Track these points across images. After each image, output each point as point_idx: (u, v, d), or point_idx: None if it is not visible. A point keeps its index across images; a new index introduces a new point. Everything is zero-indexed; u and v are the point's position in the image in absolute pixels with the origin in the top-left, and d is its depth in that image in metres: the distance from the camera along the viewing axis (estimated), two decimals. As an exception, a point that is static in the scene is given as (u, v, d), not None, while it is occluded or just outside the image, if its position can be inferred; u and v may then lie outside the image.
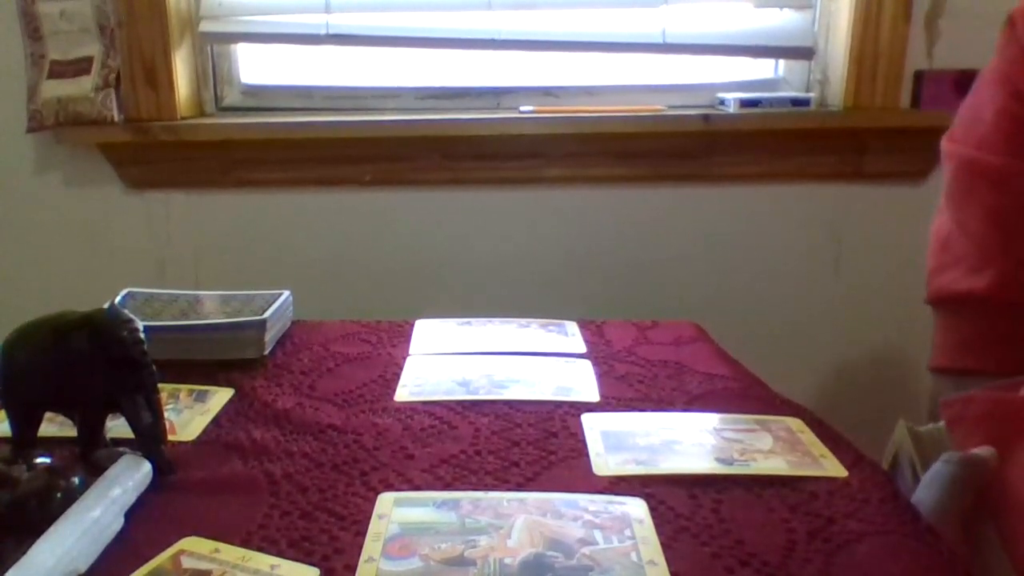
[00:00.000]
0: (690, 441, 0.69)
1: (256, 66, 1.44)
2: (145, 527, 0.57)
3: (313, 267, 1.42)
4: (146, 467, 0.62)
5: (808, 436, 0.70)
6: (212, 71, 1.42)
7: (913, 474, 0.72)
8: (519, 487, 0.62)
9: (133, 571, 0.51)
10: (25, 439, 0.65)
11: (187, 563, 0.52)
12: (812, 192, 1.39)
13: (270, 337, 0.90)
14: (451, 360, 0.88)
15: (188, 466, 0.66)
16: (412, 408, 0.76)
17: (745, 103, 1.32)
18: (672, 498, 0.60)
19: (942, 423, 0.72)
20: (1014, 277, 0.71)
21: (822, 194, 1.39)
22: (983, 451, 0.65)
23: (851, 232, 1.41)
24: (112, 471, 0.59)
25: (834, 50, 1.36)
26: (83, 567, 0.51)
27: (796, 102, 1.35)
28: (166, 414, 0.68)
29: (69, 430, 0.66)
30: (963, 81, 1.27)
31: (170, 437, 0.68)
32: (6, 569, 0.48)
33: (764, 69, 1.44)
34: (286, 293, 0.98)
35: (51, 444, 0.67)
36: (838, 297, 1.43)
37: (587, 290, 1.42)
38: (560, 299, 1.41)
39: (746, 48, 1.36)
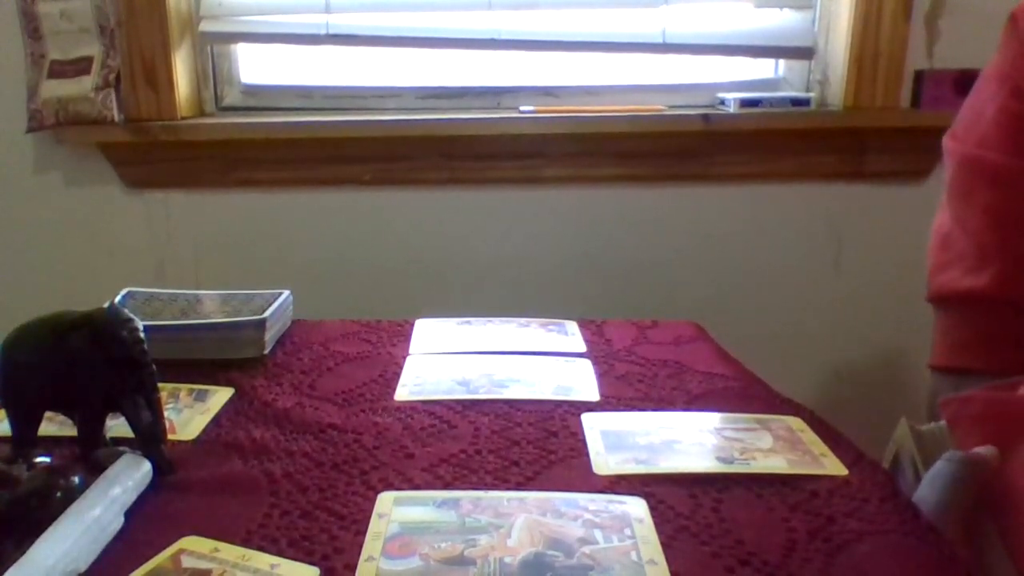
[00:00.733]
0: (690, 440, 0.69)
1: (256, 66, 1.44)
2: (145, 526, 0.57)
3: (313, 267, 1.42)
4: (146, 466, 0.62)
5: (808, 435, 0.70)
6: (212, 71, 1.42)
7: (915, 473, 0.72)
8: (519, 486, 0.62)
9: (133, 570, 0.51)
10: (25, 439, 0.65)
11: (187, 562, 0.52)
12: (812, 192, 1.39)
13: (270, 336, 0.90)
14: (451, 359, 0.88)
15: (188, 465, 0.66)
16: (412, 407, 0.76)
17: (745, 103, 1.32)
18: (672, 497, 0.60)
19: (944, 422, 0.72)
20: (1014, 275, 0.71)
21: (822, 194, 1.39)
22: (985, 450, 0.65)
23: (851, 232, 1.41)
24: (112, 470, 0.59)
25: (834, 50, 1.36)
26: (83, 566, 0.51)
27: (796, 102, 1.35)
28: (166, 413, 0.68)
29: (69, 430, 0.66)
30: (963, 81, 1.27)
31: (170, 436, 0.68)
32: (6, 568, 0.48)
33: (764, 69, 1.44)
34: (286, 293, 0.98)
35: (51, 444, 0.67)
36: (838, 297, 1.43)
37: (587, 290, 1.42)
38: (560, 299, 1.41)
39: (746, 48, 1.36)
